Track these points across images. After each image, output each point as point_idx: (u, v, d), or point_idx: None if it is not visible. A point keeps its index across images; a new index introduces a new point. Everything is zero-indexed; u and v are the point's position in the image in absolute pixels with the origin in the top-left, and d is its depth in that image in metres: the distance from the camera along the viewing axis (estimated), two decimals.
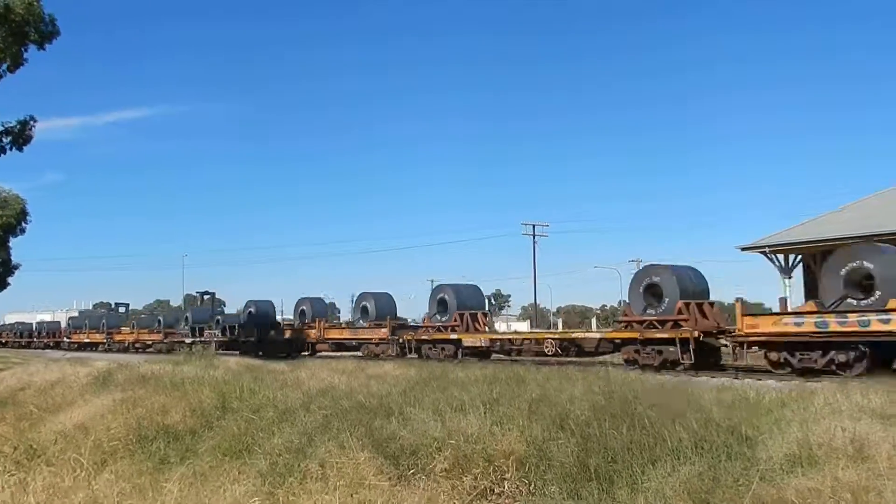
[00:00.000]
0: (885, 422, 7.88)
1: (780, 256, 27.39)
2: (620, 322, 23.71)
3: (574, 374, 12.56)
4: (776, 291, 27.59)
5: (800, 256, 27.66)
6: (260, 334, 37.13)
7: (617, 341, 22.92)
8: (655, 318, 21.40)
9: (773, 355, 18.71)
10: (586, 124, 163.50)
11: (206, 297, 46.78)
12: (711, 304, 21.65)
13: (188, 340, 42.15)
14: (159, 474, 9.46)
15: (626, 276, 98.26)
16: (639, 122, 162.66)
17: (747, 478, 6.56)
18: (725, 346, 20.69)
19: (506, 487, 8.26)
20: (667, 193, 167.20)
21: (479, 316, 29.03)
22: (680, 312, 20.89)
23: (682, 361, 19.84)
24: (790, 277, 27.54)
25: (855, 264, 17.92)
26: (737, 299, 20.55)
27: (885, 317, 16.64)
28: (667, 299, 21.37)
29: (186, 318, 46.32)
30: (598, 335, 25.30)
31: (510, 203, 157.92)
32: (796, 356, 18.18)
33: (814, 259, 27.49)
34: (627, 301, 23.38)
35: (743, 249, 28.52)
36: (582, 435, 8.57)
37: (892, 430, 7.40)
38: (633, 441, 7.98)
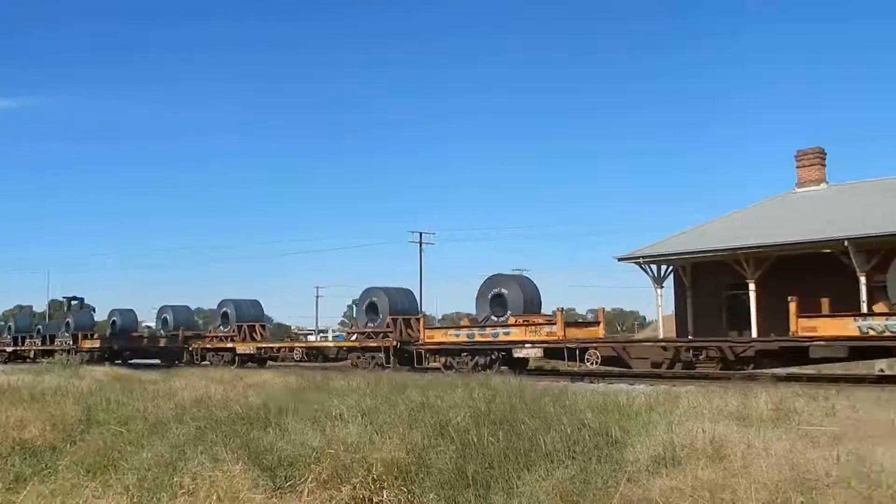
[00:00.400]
0: (740, 423, 8.41)
1: (654, 267, 28.73)
2: (349, 333, 29.67)
3: (455, 381, 12.70)
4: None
5: (671, 267, 29.11)
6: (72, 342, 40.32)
7: (345, 349, 28.69)
8: (372, 329, 26.88)
9: (443, 359, 23.86)
10: (484, 131, 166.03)
11: (73, 302, 44.36)
12: (418, 318, 26.74)
13: (9, 349, 41.84)
14: (12, 494, 8.81)
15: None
16: (537, 131, 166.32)
17: (616, 479, 6.80)
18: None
19: (384, 496, 8.21)
20: (559, 202, 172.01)
21: (258, 327, 33.70)
22: (388, 326, 26.20)
23: (386, 365, 24.74)
24: (662, 287, 28.91)
25: (496, 290, 24.01)
26: (420, 316, 26.68)
27: (506, 330, 22.97)
28: (381, 315, 26.87)
29: (10, 327, 46.30)
30: (332, 344, 31.79)
31: (405, 211, 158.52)
32: (457, 360, 23.27)
33: (684, 270, 29.05)
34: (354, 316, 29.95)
35: (619, 260, 29.72)
36: (461, 442, 8.67)
37: (747, 431, 7.90)
38: (510, 447, 8.13)
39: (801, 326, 18.34)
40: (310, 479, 8.46)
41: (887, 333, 16.76)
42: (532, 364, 25.13)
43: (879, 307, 18.06)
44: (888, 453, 6.75)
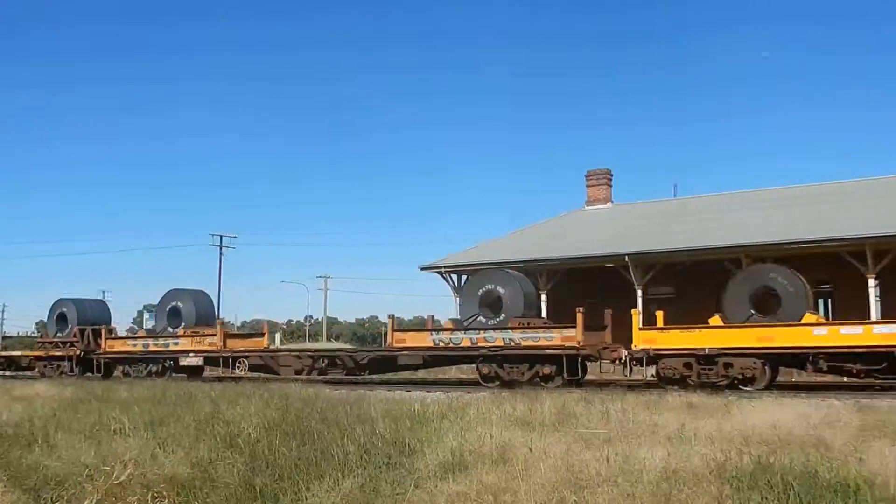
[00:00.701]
0: (524, 428, 8.84)
1: (454, 276, 29.64)
2: (38, 342, 30.82)
3: (250, 391, 12.28)
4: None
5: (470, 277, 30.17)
6: None
7: (32, 357, 29.53)
8: (61, 339, 28.24)
9: (123, 368, 26.77)
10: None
11: None
12: (110, 329, 28.22)
13: None
14: None
15: (313, 291, 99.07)
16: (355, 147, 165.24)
17: (404, 486, 6.89)
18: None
19: None
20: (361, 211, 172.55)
21: None
22: (75, 336, 27.61)
23: (70, 374, 26.54)
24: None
25: (173, 304, 26.36)
26: (103, 327, 27.79)
27: (176, 340, 25.59)
28: (70, 325, 28.00)
29: None
30: (20, 353, 32.11)
31: (203, 213, 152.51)
32: (133, 368, 26.04)
33: None
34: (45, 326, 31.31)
35: (422, 269, 30.39)
36: (251, 453, 8.39)
37: (529, 435, 8.32)
38: (301, 457, 7.97)
39: (395, 339, 21.49)
40: (84, 499, 7.80)
41: (451, 345, 20.38)
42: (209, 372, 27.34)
43: (447, 324, 21.47)
44: (650, 452, 7.38)
